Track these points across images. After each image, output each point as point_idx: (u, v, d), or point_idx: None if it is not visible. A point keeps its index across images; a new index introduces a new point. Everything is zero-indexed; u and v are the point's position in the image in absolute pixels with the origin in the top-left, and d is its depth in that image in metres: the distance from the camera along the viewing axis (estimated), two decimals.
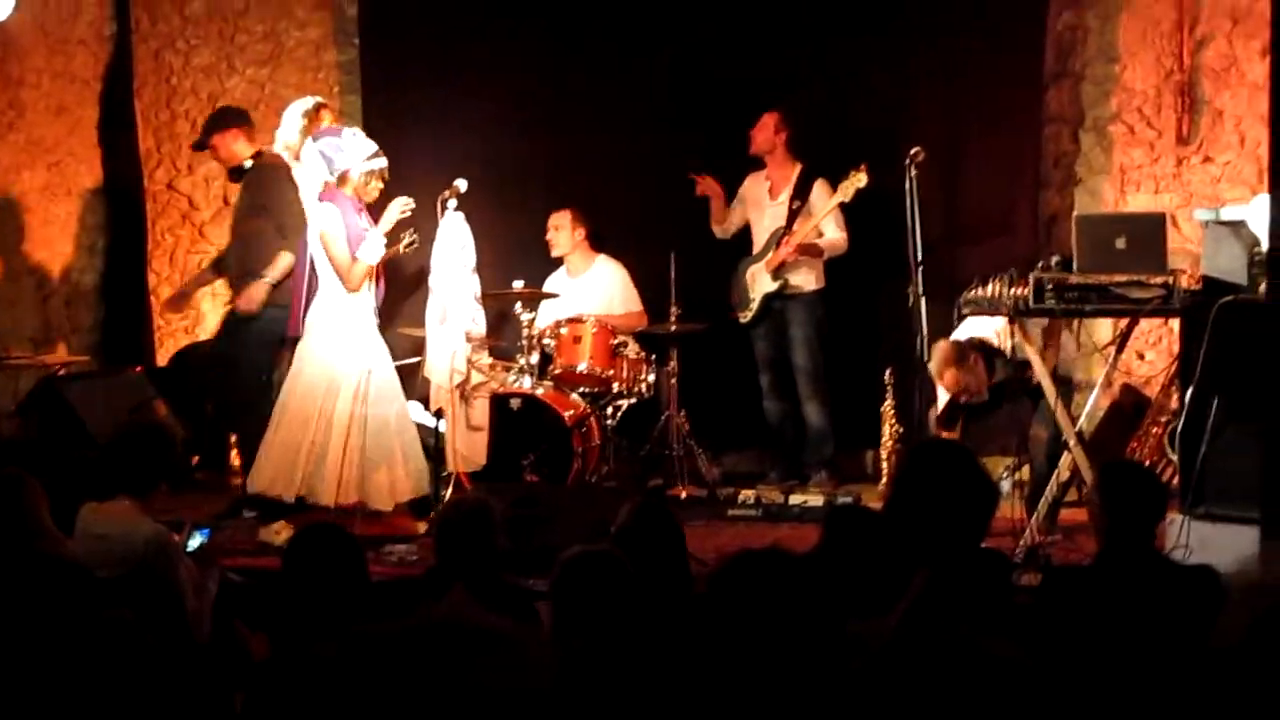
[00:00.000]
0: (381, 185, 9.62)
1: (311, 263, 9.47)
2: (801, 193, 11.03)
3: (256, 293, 10.26)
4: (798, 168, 11.13)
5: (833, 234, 10.96)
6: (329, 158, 9.48)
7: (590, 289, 11.38)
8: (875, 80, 11.67)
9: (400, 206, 9.48)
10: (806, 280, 11.03)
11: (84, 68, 12.30)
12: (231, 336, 10.64)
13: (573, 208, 11.40)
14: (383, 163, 9.55)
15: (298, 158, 10.21)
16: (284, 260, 10.15)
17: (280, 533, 9.02)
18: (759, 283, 11.04)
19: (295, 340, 9.54)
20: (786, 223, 10.98)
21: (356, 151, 9.48)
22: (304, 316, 9.46)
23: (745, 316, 11.13)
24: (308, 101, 10.54)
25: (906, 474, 5.71)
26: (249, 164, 10.49)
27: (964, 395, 9.94)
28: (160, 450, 6.95)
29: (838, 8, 11.61)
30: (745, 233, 11.38)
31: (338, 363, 9.24)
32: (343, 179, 9.45)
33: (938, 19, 11.54)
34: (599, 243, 11.57)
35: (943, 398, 10.08)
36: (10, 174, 11.35)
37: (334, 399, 9.22)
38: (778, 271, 10.96)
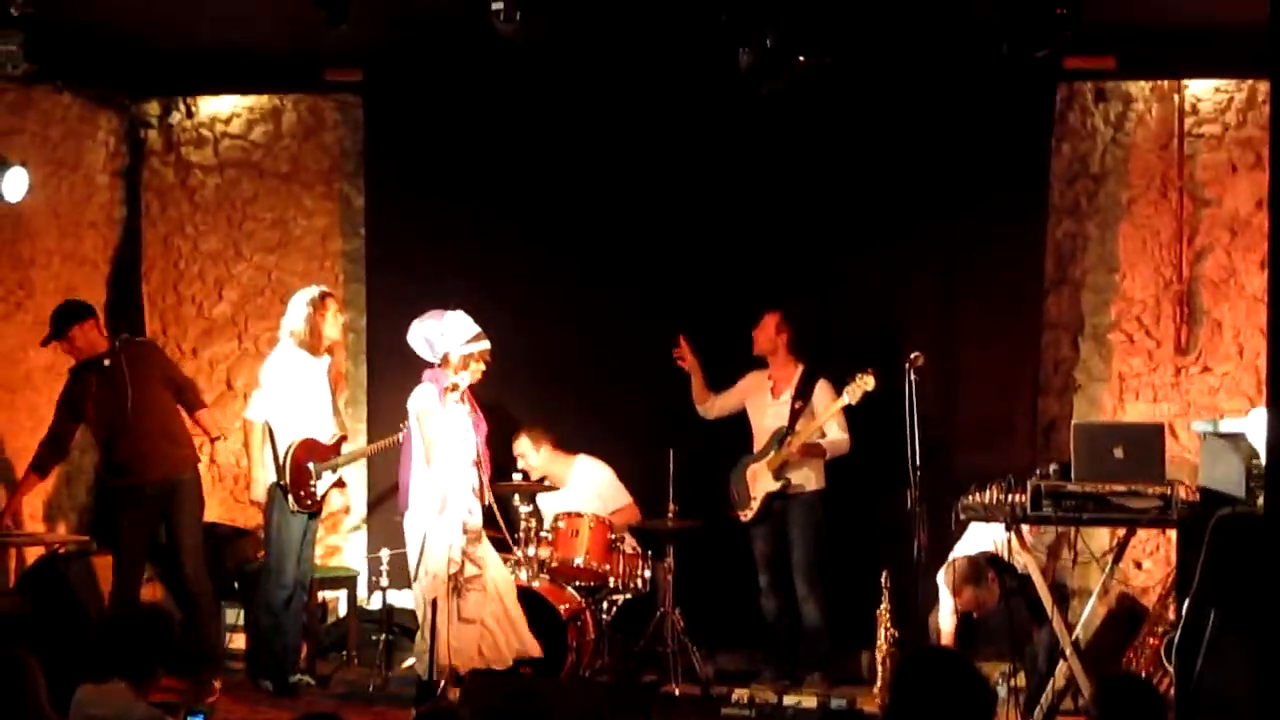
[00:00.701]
0: (484, 367, 9.96)
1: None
2: (804, 393, 11.08)
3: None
4: (800, 368, 11.19)
5: (835, 434, 11.00)
6: (430, 341, 9.86)
7: (576, 492, 11.40)
8: (876, 283, 11.75)
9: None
10: (807, 480, 11.05)
11: (93, 250, 12.43)
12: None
13: (528, 427, 11.47)
14: (483, 345, 9.91)
15: (302, 344, 10.36)
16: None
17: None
18: (760, 481, 11.05)
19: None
20: (789, 422, 11.01)
21: (457, 335, 9.83)
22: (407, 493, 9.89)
23: (746, 515, 11.13)
24: (313, 290, 10.70)
25: (904, 681, 5.71)
26: (118, 344, 10.60)
27: (979, 612, 9.96)
28: (156, 635, 6.92)
29: (841, 211, 11.69)
30: (741, 432, 11.38)
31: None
32: (444, 361, 9.80)
33: (940, 225, 11.63)
34: (570, 445, 11.62)
35: (945, 603, 10.08)
36: (17, 352, 11.42)
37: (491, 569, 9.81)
38: (780, 471, 10.97)
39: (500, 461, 10.67)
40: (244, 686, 10.72)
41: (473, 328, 9.88)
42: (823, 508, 11.07)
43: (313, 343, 10.63)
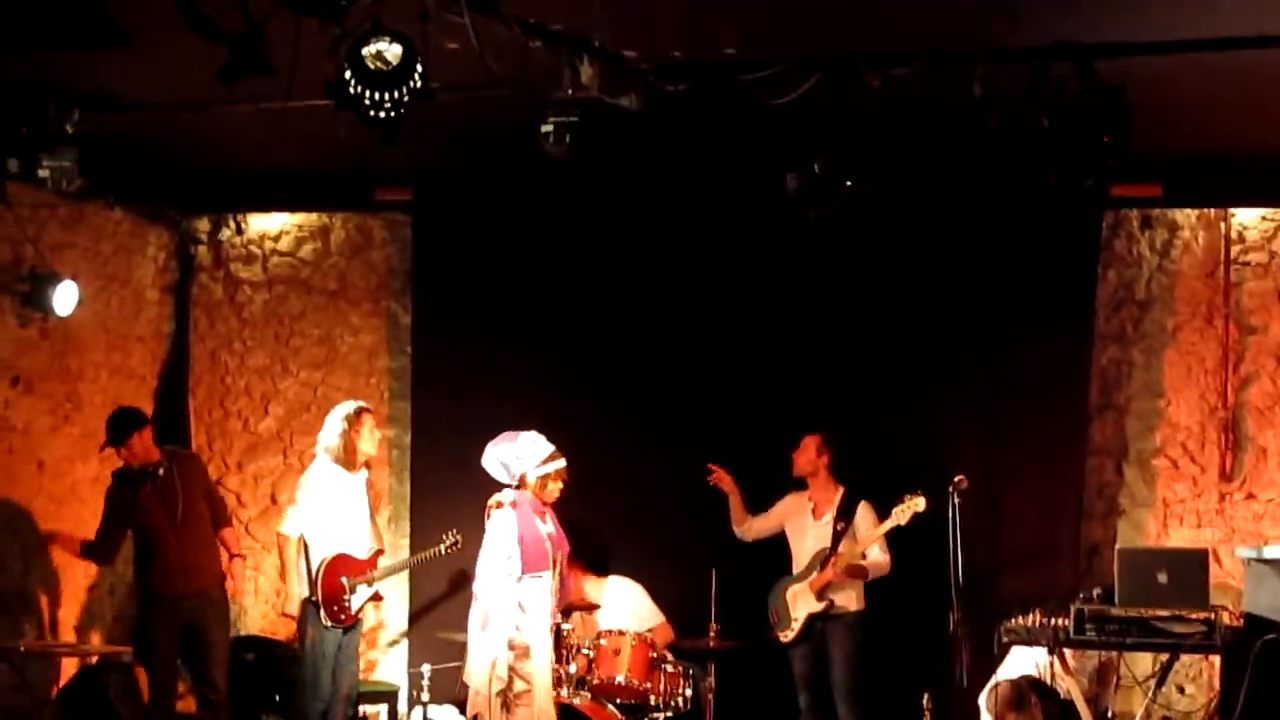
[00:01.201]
0: (561, 485, 10.15)
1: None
2: (845, 514, 11.07)
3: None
4: (841, 490, 11.18)
5: (876, 555, 10.97)
6: (506, 464, 10.02)
7: (611, 612, 11.39)
8: (921, 407, 11.72)
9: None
10: (849, 601, 11.01)
11: (141, 364, 12.52)
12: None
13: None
14: (559, 464, 10.07)
15: (338, 460, 10.46)
16: None
17: None
18: (801, 602, 11.01)
19: None
20: (832, 543, 10.99)
21: (532, 456, 10.00)
22: None
23: (787, 636, 11.09)
24: (350, 405, 10.83)
25: None
26: (168, 454, 10.81)
27: None
28: None
29: (886, 335, 11.73)
30: (784, 552, 11.35)
31: None
32: (521, 482, 9.93)
33: (985, 349, 11.66)
34: (609, 566, 11.65)
35: None
36: (64, 464, 11.49)
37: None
38: (822, 592, 10.95)
39: None
40: None
41: (547, 447, 10.06)
42: (864, 629, 11.03)
43: (348, 458, 10.72)
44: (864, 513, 11.04)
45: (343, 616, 10.64)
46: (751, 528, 11.44)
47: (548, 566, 9.95)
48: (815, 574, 10.95)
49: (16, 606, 10.88)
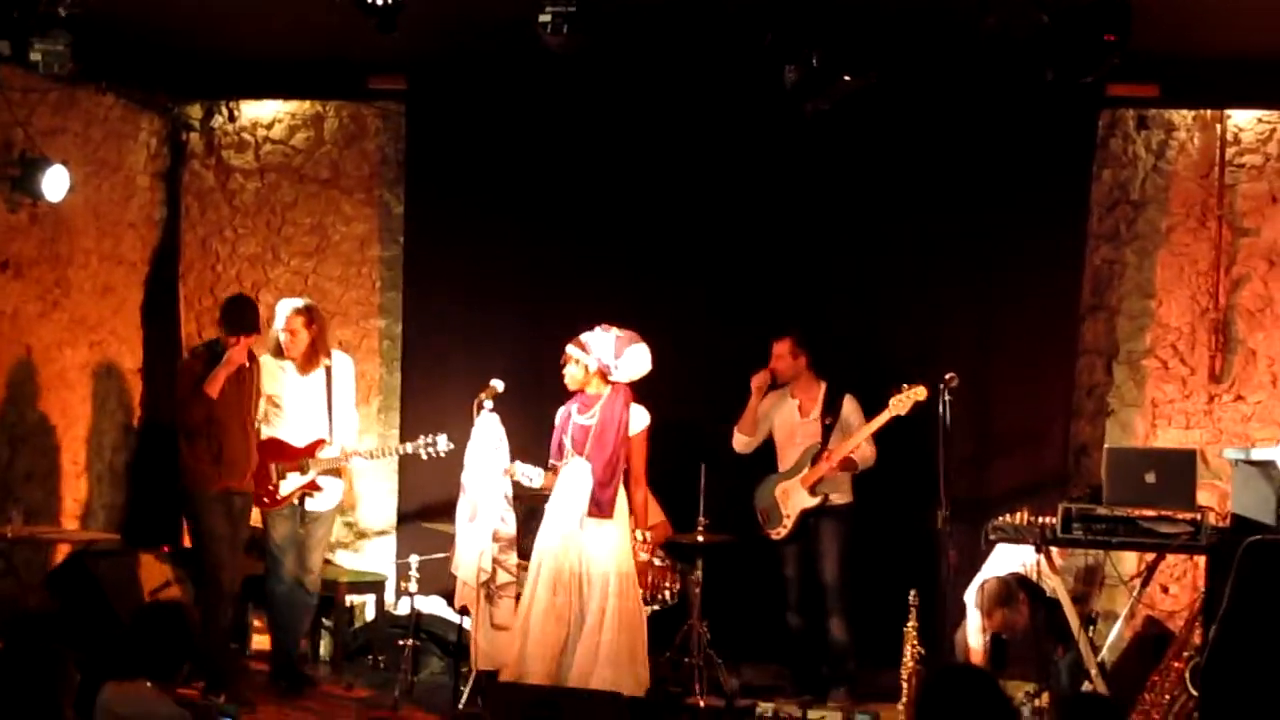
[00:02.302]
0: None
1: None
2: (831, 410, 11.08)
3: None
4: (823, 385, 11.19)
5: (864, 448, 10.98)
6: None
7: None
8: (912, 303, 11.75)
9: None
10: (840, 494, 11.05)
11: (131, 250, 12.48)
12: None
13: None
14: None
15: (274, 353, 10.60)
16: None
17: None
18: (794, 498, 11.02)
19: None
20: (822, 439, 11.01)
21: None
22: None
23: (779, 533, 11.10)
24: (286, 306, 10.77)
25: (928, 698, 5.72)
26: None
27: (1008, 634, 9.97)
28: (181, 632, 6.93)
29: (878, 230, 11.74)
30: (764, 449, 11.38)
31: None
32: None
33: (978, 246, 11.67)
34: None
35: (973, 622, 10.09)
36: (53, 350, 11.47)
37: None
38: (815, 487, 10.97)
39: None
40: (267, 688, 10.82)
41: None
42: (854, 521, 11.07)
43: (279, 353, 10.78)
44: (851, 406, 11.05)
45: (265, 500, 10.71)
46: (758, 436, 11.41)
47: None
48: (808, 469, 10.97)
49: (2, 494, 10.88)
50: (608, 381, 9.98)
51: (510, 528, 9.97)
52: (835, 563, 11.01)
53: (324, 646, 11.87)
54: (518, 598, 9.99)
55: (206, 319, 12.82)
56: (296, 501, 10.78)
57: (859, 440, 10.86)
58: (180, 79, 12.41)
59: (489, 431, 9.98)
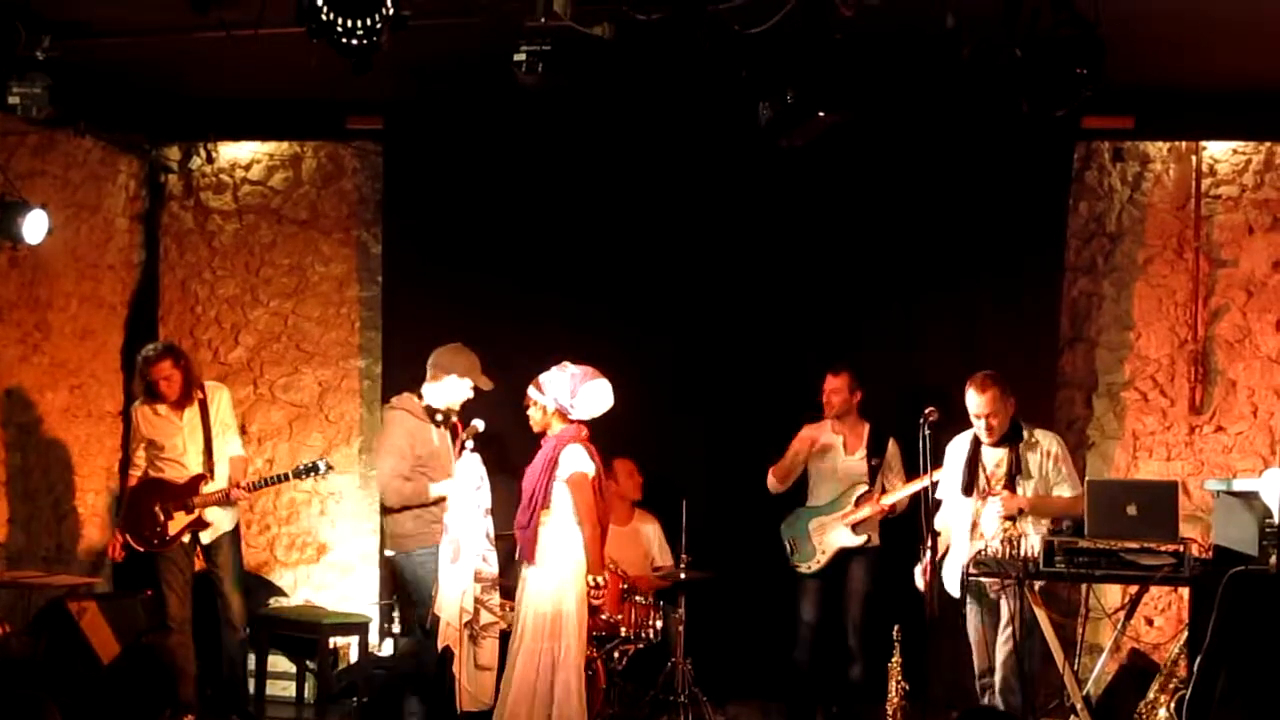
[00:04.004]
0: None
1: None
2: (878, 451, 11.06)
3: None
4: (867, 425, 11.16)
5: (902, 494, 10.91)
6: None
7: (631, 543, 11.44)
8: (889, 338, 11.74)
9: None
10: (874, 535, 11.02)
11: (111, 293, 12.48)
12: None
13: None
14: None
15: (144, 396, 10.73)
16: None
17: None
18: (832, 535, 10.92)
19: None
20: (869, 480, 10.98)
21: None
22: None
23: (810, 567, 10.99)
24: (148, 348, 10.87)
25: None
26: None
27: (991, 419, 9.89)
28: (162, 679, 6.90)
29: (856, 267, 11.77)
30: (755, 483, 11.33)
31: None
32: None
33: (956, 281, 11.68)
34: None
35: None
36: (34, 394, 11.46)
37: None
38: (857, 527, 10.92)
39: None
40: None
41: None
42: (881, 564, 11.02)
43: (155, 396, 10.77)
44: (894, 449, 11.01)
45: (155, 541, 10.67)
46: (792, 476, 11.36)
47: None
48: (850, 509, 10.88)
49: None
50: (568, 421, 9.90)
51: (493, 567, 9.95)
52: (861, 601, 10.95)
53: (308, 688, 11.84)
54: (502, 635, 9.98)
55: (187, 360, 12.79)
56: (187, 540, 10.74)
57: (909, 493, 10.74)
58: (158, 121, 12.43)
59: (471, 471, 9.96)
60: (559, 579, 9.62)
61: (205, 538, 10.76)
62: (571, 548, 9.64)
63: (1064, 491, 9.96)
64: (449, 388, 10.21)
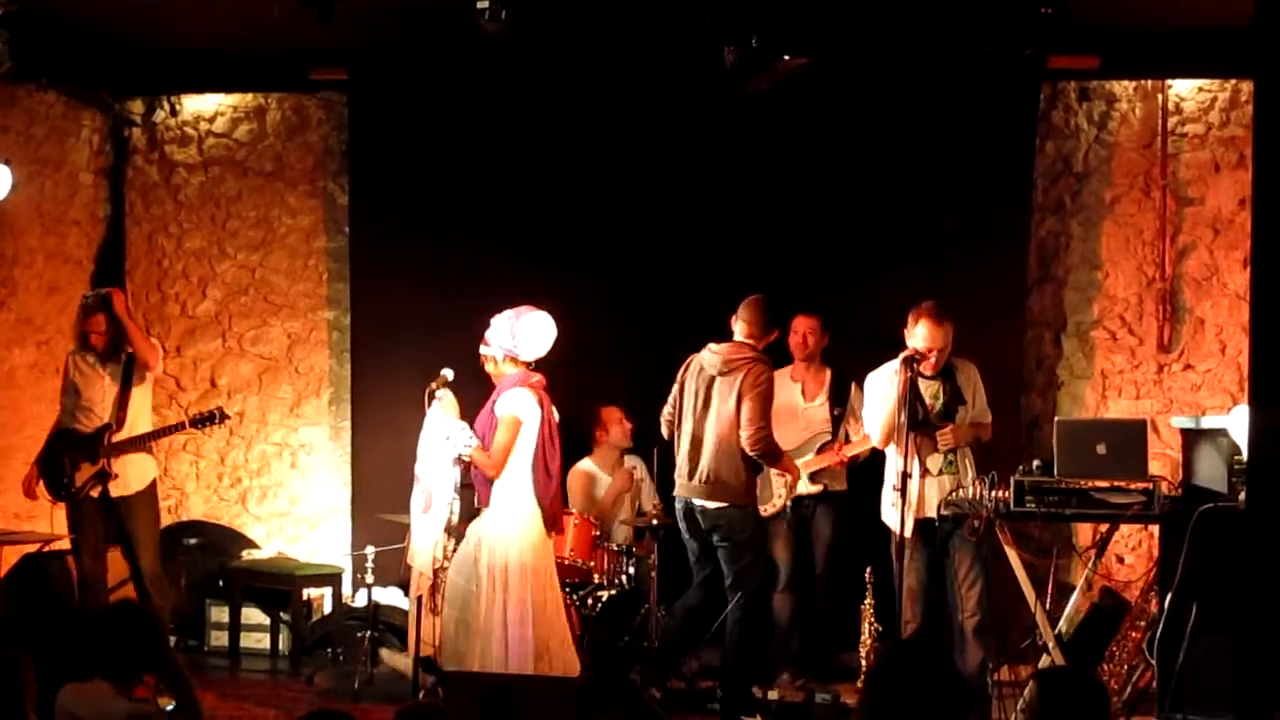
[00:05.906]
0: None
1: None
2: (838, 398, 11.02)
3: None
4: (828, 372, 11.10)
5: (863, 446, 10.86)
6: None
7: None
8: (858, 280, 11.68)
9: None
10: (837, 483, 10.92)
11: (77, 248, 12.44)
12: None
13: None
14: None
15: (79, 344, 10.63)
16: None
17: None
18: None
19: None
20: (832, 429, 10.95)
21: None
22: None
23: (767, 510, 10.92)
24: (99, 292, 10.76)
25: (881, 671, 5.71)
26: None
27: (942, 353, 9.83)
28: (140, 634, 6.87)
29: (822, 209, 11.73)
30: None
31: None
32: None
33: (922, 222, 11.67)
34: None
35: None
36: (0, 350, 11.41)
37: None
38: (816, 475, 10.90)
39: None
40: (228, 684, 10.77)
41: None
42: (845, 509, 10.97)
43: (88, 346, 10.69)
44: (857, 395, 10.82)
45: (63, 492, 10.60)
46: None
47: None
48: (812, 456, 10.85)
49: None
50: (520, 364, 9.77)
51: (458, 517, 9.91)
52: (828, 549, 10.94)
53: (282, 640, 11.84)
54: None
55: (154, 315, 12.79)
56: (96, 495, 10.61)
57: (869, 447, 10.68)
58: (121, 74, 12.37)
59: (439, 422, 9.93)
60: (512, 525, 9.53)
61: (114, 491, 10.67)
62: (523, 494, 9.62)
63: (982, 419, 9.98)
64: None
